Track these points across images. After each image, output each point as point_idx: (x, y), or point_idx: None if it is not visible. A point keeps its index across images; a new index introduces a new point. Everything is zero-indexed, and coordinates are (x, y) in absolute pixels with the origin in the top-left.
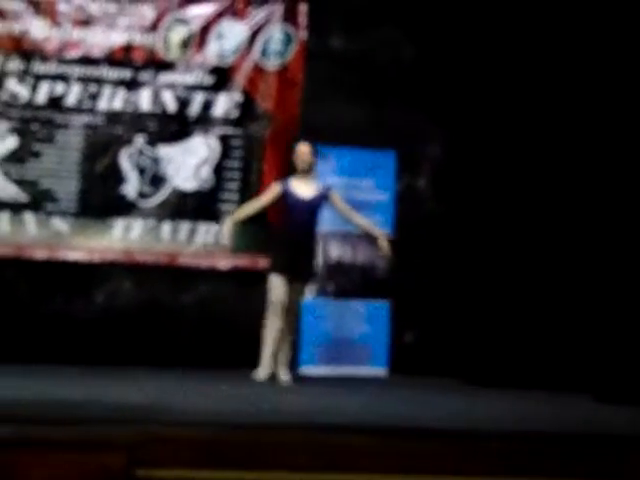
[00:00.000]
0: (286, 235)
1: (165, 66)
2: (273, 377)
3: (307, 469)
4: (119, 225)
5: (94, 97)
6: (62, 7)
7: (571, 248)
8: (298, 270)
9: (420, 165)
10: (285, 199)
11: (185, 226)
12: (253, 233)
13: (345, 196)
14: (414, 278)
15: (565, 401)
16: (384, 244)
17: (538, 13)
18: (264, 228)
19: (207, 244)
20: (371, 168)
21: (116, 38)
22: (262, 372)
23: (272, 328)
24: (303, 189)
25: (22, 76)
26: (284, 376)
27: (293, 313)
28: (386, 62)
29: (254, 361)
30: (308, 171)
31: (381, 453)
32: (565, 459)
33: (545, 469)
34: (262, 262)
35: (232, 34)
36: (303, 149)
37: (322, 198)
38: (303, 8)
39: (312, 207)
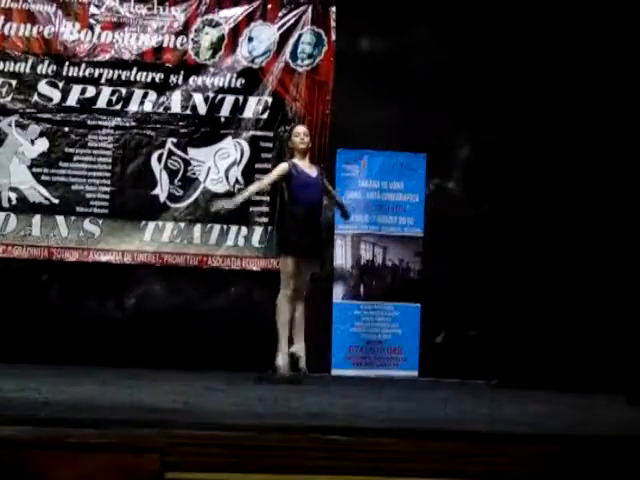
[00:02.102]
0: (296, 213)
1: (196, 68)
2: (293, 362)
3: (336, 472)
4: (150, 227)
5: (125, 100)
6: (93, 10)
7: (604, 249)
8: (308, 248)
9: (450, 167)
10: (292, 178)
11: (216, 228)
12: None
13: (376, 198)
14: (445, 280)
15: (597, 403)
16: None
17: (571, 15)
18: None
19: (240, 245)
20: (402, 170)
21: (147, 41)
22: (282, 359)
23: (285, 314)
24: (307, 168)
25: (53, 79)
26: (300, 353)
27: (302, 293)
28: (416, 64)
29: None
30: (307, 151)
31: (413, 456)
32: (596, 462)
33: (576, 472)
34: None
35: (262, 37)
36: (301, 129)
37: (322, 178)
38: (333, 10)
39: (318, 185)
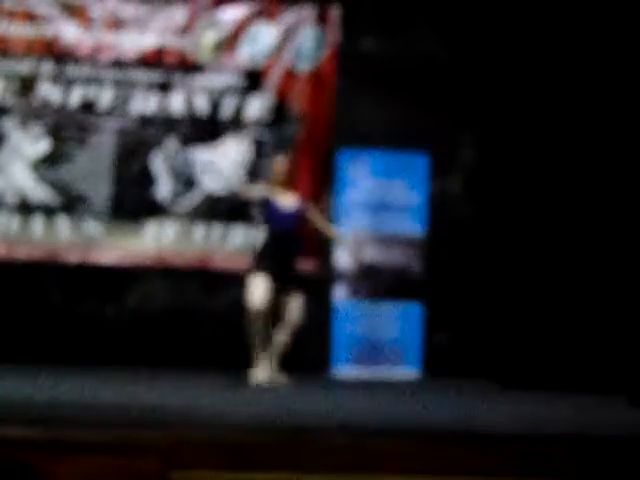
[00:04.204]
0: (269, 240)
1: (197, 69)
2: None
3: (337, 471)
4: (152, 228)
5: (126, 100)
6: (94, 10)
7: (607, 249)
8: (285, 275)
9: (453, 167)
10: (268, 206)
11: (217, 229)
12: None
13: (378, 198)
14: (446, 280)
15: (599, 403)
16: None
17: (575, 14)
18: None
19: (240, 246)
20: (404, 170)
21: (148, 41)
22: (261, 374)
23: (257, 327)
24: (282, 199)
25: (54, 79)
26: (280, 379)
27: (293, 321)
28: (419, 64)
29: (287, 364)
30: (283, 182)
31: (411, 455)
32: (599, 463)
33: (578, 472)
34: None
35: (264, 37)
36: (279, 163)
37: (302, 212)
38: (335, 11)
39: (294, 217)
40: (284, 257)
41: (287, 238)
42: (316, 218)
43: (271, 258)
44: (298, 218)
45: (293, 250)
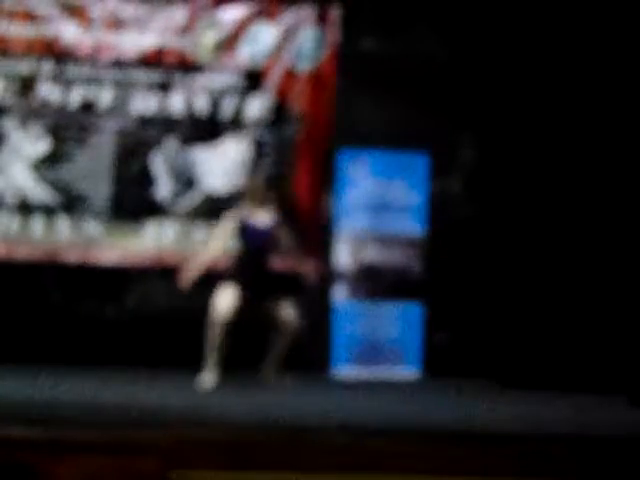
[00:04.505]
0: (244, 255)
1: (197, 69)
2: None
3: (336, 471)
4: (151, 228)
5: (126, 100)
6: (94, 10)
7: (608, 249)
8: (263, 286)
9: (453, 167)
10: (242, 227)
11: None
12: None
13: (378, 198)
14: (446, 280)
15: (599, 403)
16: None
17: (576, 14)
18: (297, 227)
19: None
20: (404, 170)
21: (148, 41)
22: (209, 379)
23: (216, 331)
24: (258, 217)
25: (54, 79)
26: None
27: (290, 329)
28: (419, 64)
29: (287, 364)
30: (258, 200)
31: (410, 455)
32: (598, 462)
33: (578, 472)
34: (295, 265)
35: (264, 37)
36: (256, 183)
37: (276, 229)
38: (335, 11)
39: (266, 235)
40: (258, 270)
41: (260, 253)
42: (283, 236)
43: (243, 271)
44: (271, 234)
45: (266, 261)
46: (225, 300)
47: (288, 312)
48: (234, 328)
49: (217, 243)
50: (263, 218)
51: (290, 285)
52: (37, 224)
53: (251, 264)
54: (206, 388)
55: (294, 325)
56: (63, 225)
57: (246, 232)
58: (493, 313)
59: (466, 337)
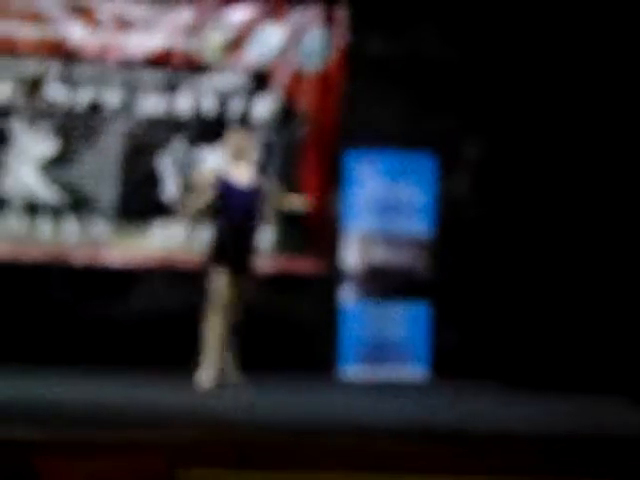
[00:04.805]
0: (225, 225)
1: (205, 70)
2: (224, 381)
3: (343, 470)
4: (158, 229)
5: (134, 101)
6: (101, 11)
7: (617, 251)
8: (240, 262)
9: (460, 167)
10: (221, 188)
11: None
12: (293, 234)
13: (385, 198)
14: (454, 280)
15: (604, 404)
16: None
17: (584, 13)
18: (304, 229)
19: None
20: (411, 170)
21: (155, 42)
22: (207, 376)
23: (215, 328)
24: (239, 175)
25: (62, 80)
26: (236, 380)
27: (238, 311)
28: (426, 64)
29: (303, 363)
30: (241, 156)
31: (417, 455)
32: (603, 462)
33: (585, 472)
34: (302, 265)
35: (271, 38)
36: (235, 135)
37: (259, 190)
38: (343, 11)
39: (249, 196)
40: (241, 244)
41: (246, 222)
42: (273, 193)
43: (230, 248)
44: (256, 197)
45: (250, 234)
46: (222, 290)
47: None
48: (242, 327)
49: (204, 194)
50: (244, 176)
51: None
52: (44, 225)
53: (236, 237)
54: (205, 386)
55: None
56: (70, 226)
57: (227, 193)
58: (501, 313)
59: (473, 337)
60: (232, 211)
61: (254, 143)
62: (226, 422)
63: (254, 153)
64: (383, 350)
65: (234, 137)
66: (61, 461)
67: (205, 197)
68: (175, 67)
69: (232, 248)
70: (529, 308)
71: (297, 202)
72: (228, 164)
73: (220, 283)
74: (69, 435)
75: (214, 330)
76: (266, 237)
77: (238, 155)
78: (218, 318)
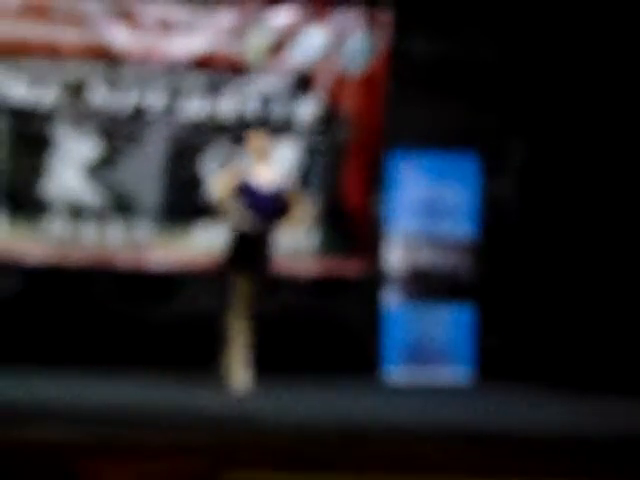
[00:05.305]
0: (245, 226)
1: (247, 72)
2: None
3: (387, 472)
4: (202, 231)
5: (177, 104)
6: (144, 14)
7: None
8: (258, 263)
9: (505, 169)
10: (241, 190)
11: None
12: (337, 236)
13: (429, 200)
14: (498, 282)
15: None
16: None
17: (629, 16)
18: (348, 231)
19: (291, 250)
20: (455, 172)
21: (198, 45)
22: (240, 378)
23: (240, 329)
24: (260, 177)
25: (106, 84)
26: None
27: (251, 312)
28: (470, 66)
29: (346, 365)
30: (261, 158)
31: (462, 458)
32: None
33: (628, 475)
34: (346, 267)
35: (314, 40)
36: (254, 136)
37: (281, 193)
38: (385, 13)
39: (269, 198)
40: (262, 248)
41: (265, 224)
42: (297, 210)
43: (249, 250)
44: (278, 200)
45: (268, 236)
46: (245, 297)
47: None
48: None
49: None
50: (266, 178)
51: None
52: (88, 228)
53: (254, 236)
54: (241, 388)
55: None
56: (114, 229)
57: (248, 194)
58: (545, 315)
59: (517, 339)
60: (252, 213)
61: (273, 144)
62: (269, 424)
63: (274, 154)
64: (427, 352)
65: (254, 138)
66: (103, 464)
67: (227, 198)
68: (218, 70)
69: (251, 250)
70: (573, 309)
71: (307, 208)
72: (249, 166)
73: (240, 285)
74: (111, 438)
75: (239, 332)
76: (310, 239)
77: (258, 156)
78: (241, 320)
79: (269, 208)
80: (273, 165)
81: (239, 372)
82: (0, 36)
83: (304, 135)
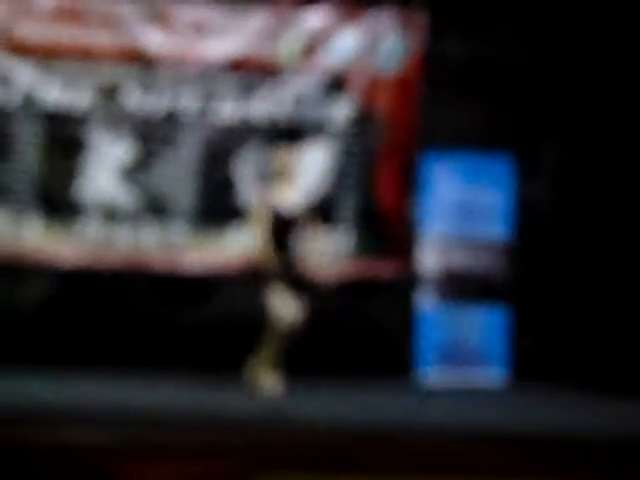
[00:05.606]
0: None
1: (280, 74)
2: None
3: (421, 474)
4: (236, 234)
5: (210, 106)
6: (178, 17)
7: None
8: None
9: (539, 170)
10: (270, 215)
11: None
12: (371, 238)
13: (463, 202)
14: (533, 283)
15: None
16: None
17: None
18: (382, 233)
19: (325, 252)
20: (489, 174)
21: (231, 47)
22: (271, 380)
23: (277, 340)
24: (284, 199)
25: (139, 87)
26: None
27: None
28: (503, 67)
29: (380, 367)
30: (286, 177)
31: (493, 459)
32: None
33: None
34: (380, 269)
35: (348, 42)
36: (279, 153)
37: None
38: (420, 14)
39: (292, 219)
40: (290, 263)
41: (286, 243)
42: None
43: (280, 266)
44: (295, 223)
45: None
46: (285, 305)
47: (287, 305)
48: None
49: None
50: (289, 200)
51: None
52: (123, 231)
53: (283, 258)
54: (272, 392)
55: (287, 321)
56: (149, 231)
57: (273, 219)
58: (580, 316)
59: (552, 341)
60: (277, 240)
61: (299, 158)
62: (302, 426)
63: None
64: (461, 354)
65: (277, 156)
66: (136, 466)
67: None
68: (251, 72)
69: (283, 266)
70: (608, 310)
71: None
72: (272, 188)
73: (274, 296)
74: (143, 440)
75: (277, 341)
76: (345, 242)
77: (280, 176)
78: (284, 328)
79: (288, 234)
80: (297, 185)
81: (271, 374)
82: (34, 39)
83: (338, 137)
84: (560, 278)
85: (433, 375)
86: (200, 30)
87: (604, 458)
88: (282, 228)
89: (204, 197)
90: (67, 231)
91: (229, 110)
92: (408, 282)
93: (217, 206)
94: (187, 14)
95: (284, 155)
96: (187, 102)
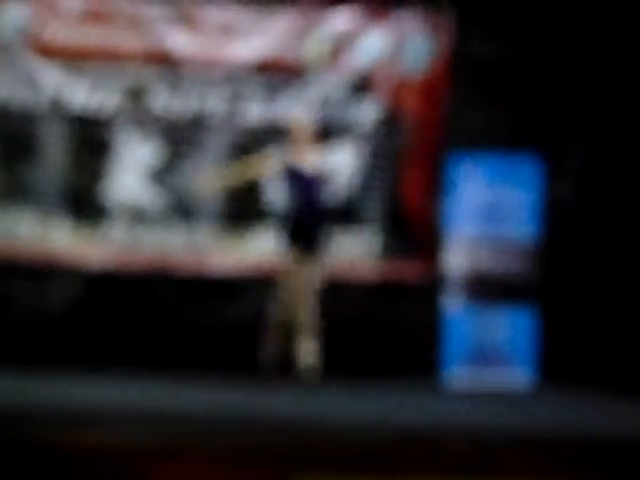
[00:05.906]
0: (291, 211)
1: (307, 76)
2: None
3: (450, 475)
4: (263, 235)
5: (237, 108)
6: (205, 19)
7: None
8: (307, 247)
9: (566, 171)
10: (286, 176)
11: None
12: (397, 240)
13: (489, 203)
14: (560, 284)
15: None
16: None
17: None
18: (408, 234)
19: (351, 254)
20: (516, 175)
21: (258, 49)
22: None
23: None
24: (305, 163)
25: (166, 89)
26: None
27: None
28: (531, 68)
29: (407, 369)
30: (304, 142)
31: (523, 462)
32: None
33: None
34: (406, 271)
35: (374, 43)
36: (296, 122)
37: (325, 177)
38: (447, 15)
39: (317, 184)
40: (310, 231)
41: (311, 208)
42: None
43: (297, 234)
44: (320, 184)
45: (314, 223)
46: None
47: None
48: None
49: (256, 172)
50: (313, 162)
51: None
52: (150, 233)
53: (301, 220)
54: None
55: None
56: (175, 233)
57: (294, 178)
58: (608, 317)
59: (580, 342)
60: (296, 198)
61: (314, 126)
62: (336, 427)
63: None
64: (488, 356)
65: (293, 123)
66: (170, 468)
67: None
68: (278, 74)
69: (299, 234)
70: (636, 311)
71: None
72: (292, 152)
73: (297, 276)
74: (179, 441)
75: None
76: (371, 244)
77: (299, 141)
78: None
79: (312, 191)
80: (318, 149)
81: (304, 372)
82: (61, 41)
83: (364, 138)
84: (587, 279)
85: (460, 377)
86: (227, 32)
87: (634, 460)
88: (305, 189)
89: (231, 199)
90: (94, 233)
91: (256, 112)
92: (434, 283)
93: (244, 208)
94: (214, 16)
95: (298, 121)
96: (214, 104)
